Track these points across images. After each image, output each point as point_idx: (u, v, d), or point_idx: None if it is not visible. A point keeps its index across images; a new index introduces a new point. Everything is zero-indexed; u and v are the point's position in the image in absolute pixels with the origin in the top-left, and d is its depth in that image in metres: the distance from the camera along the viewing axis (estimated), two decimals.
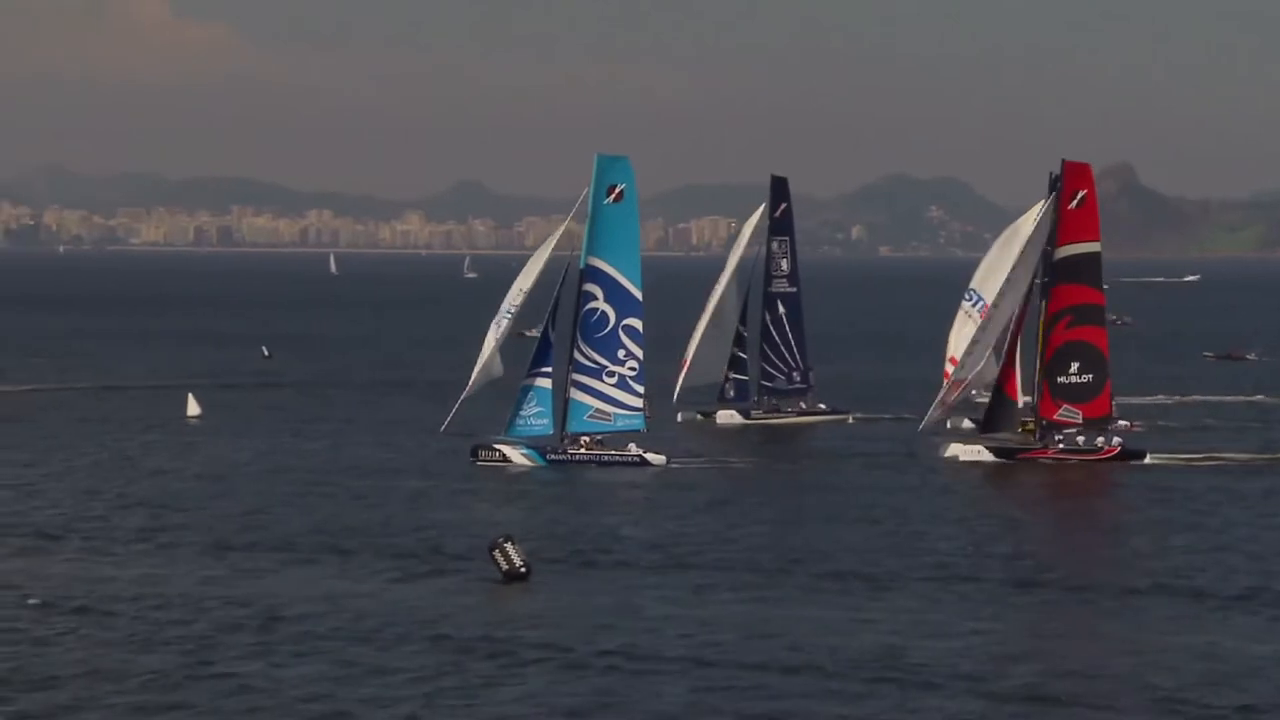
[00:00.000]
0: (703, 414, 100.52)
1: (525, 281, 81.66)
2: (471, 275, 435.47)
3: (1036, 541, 66.25)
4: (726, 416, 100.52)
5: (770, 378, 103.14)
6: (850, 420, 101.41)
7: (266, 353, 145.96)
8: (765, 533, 64.10)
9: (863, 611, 50.61)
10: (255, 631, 47.08)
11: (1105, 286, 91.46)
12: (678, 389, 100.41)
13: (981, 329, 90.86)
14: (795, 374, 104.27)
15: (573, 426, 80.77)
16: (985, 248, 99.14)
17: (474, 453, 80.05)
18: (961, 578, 55.63)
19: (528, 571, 53.37)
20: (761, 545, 61.41)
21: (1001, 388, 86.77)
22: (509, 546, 53.51)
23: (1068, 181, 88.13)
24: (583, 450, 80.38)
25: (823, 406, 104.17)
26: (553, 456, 79.79)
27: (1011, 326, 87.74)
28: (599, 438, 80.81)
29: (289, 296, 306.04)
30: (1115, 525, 70.29)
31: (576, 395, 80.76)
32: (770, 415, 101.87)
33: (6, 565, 55.83)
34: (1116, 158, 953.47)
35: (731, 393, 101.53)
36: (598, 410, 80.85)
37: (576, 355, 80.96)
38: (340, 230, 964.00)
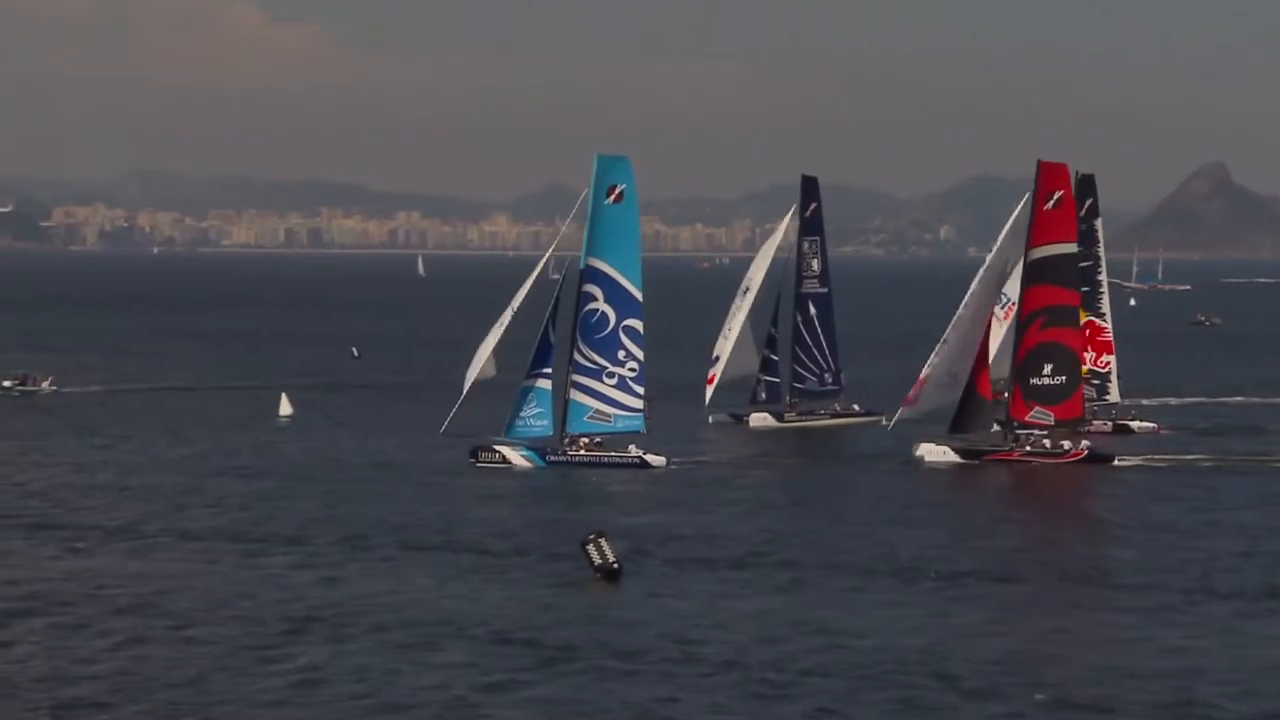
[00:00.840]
0: (734, 416, 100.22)
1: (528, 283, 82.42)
2: (555, 277, 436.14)
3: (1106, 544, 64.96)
4: (759, 419, 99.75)
5: (802, 379, 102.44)
6: (884, 422, 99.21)
7: (356, 354, 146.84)
8: (849, 533, 64.43)
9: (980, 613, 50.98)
10: (361, 630, 47.31)
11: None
12: (709, 392, 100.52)
13: (952, 328, 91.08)
14: (827, 375, 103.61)
15: (573, 427, 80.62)
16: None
17: (473, 454, 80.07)
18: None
19: (620, 567, 53.86)
20: (848, 545, 61.73)
21: (973, 387, 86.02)
22: (602, 542, 54.00)
23: (1044, 182, 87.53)
24: (582, 451, 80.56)
25: (856, 408, 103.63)
26: (553, 458, 79.71)
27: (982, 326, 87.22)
28: (598, 439, 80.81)
29: (378, 298, 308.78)
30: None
31: (576, 396, 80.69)
32: (804, 417, 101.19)
33: (101, 562, 56.87)
34: (1210, 156, 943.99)
35: (763, 395, 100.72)
36: (598, 411, 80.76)
37: (576, 356, 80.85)
38: (428, 231, 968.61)
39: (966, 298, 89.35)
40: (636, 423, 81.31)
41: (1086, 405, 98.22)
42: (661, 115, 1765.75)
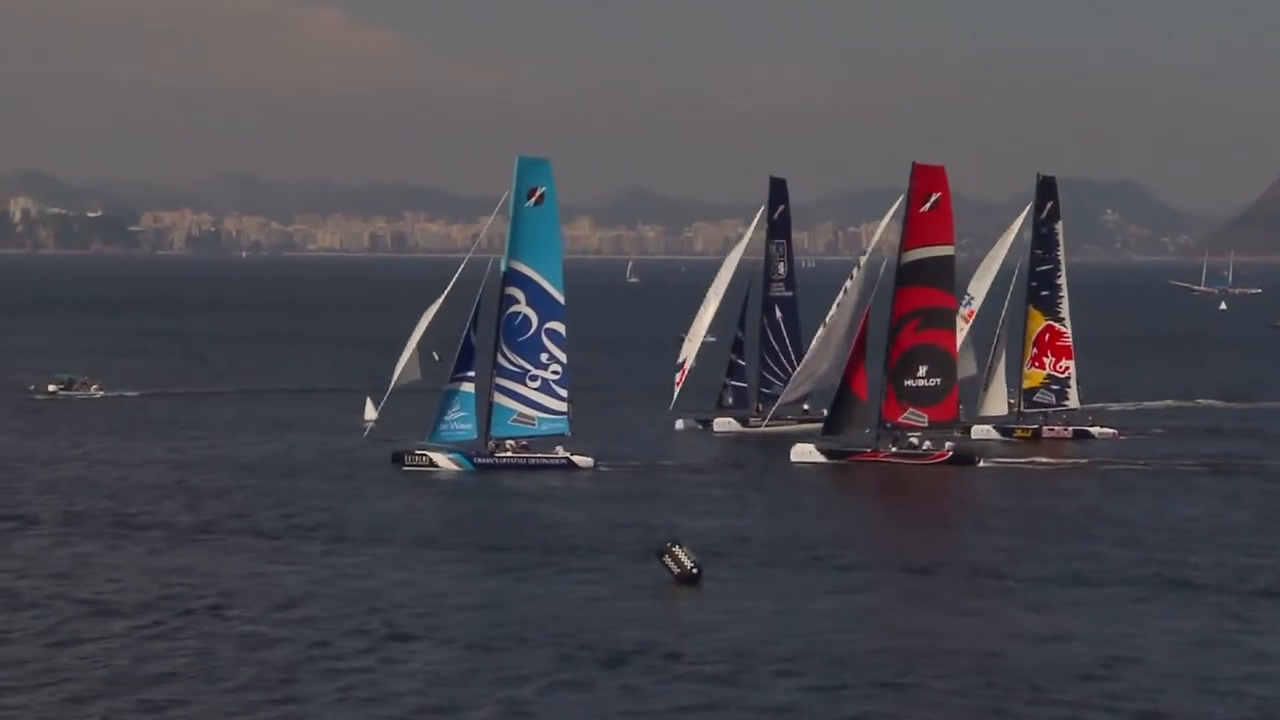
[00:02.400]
0: (701, 422, 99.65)
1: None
2: (634, 280, 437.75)
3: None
4: (724, 424, 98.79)
5: (769, 384, 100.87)
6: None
7: (437, 357, 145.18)
8: (912, 534, 65.20)
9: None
10: (441, 631, 47.66)
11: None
12: (674, 397, 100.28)
13: (827, 329, 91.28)
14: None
15: (496, 431, 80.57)
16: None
17: (396, 458, 79.92)
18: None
19: (699, 573, 54.12)
20: (914, 545, 62.41)
21: (848, 387, 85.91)
22: (678, 550, 54.28)
23: (920, 184, 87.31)
24: (509, 454, 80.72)
25: (825, 412, 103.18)
26: (480, 460, 79.84)
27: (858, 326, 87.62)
28: (524, 441, 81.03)
29: (460, 301, 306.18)
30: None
31: (500, 399, 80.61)
32: (770, 423, 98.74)
33: (187, 560, 57.93)
34: None
35: (730, 400, 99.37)
36: (521, 414, 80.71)
37: (499, 359, 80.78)
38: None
39: (841, 295, 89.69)
40: (560, 425, 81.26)
41: (1049, 410, 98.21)
42: (740, 117, 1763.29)
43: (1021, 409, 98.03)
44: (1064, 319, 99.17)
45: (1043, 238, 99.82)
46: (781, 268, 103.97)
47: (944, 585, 55.74)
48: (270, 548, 60.51)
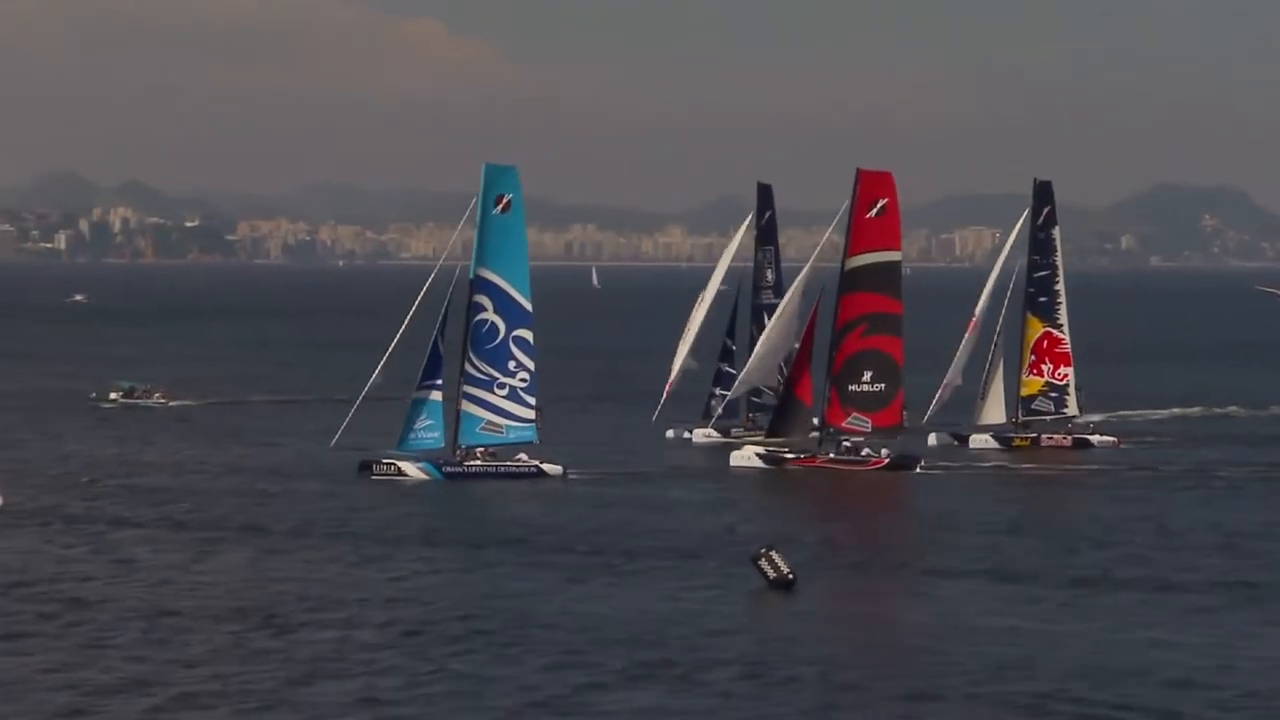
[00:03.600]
0: (691, 431, 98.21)
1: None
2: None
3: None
4: (702, 435, 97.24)
5: (759, 393, 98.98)
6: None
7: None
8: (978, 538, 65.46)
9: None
10: (532, 635, 48.25)
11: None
12: (661, 399, 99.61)
13: (766, 335, 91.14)
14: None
15: (465, 439, 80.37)
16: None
17: (366, 467, 79.61)
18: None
19: (794, 579, 54.27)
20: (1013, 551, 62.71)
21: (792, 392, 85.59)
22: (774, 555, 54.51)
23: (865, 190, 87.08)
24: (478, 462, 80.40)
25: (816, 421, 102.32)
26: (449, 469, 79.61)
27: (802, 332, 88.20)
28: (492, 450, 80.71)
29: (553, 309, 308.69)
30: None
31: (468, 408, 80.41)
32: (755, 432, 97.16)
33: (265, 561, 59.27)
34: None
35: (719, 410, 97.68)
36: (489, 422, 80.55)
37: (467, 367, 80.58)
38: (603, 243, 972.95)
39: (783, 302, 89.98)
40: (529, 433, 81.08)
41: (1048, 418, 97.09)
42: (831, 125, 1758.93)
43: (1019, 417, 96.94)
44: (1062, 325, 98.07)
45: (1040, 243, 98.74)
46: (770, 275, 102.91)
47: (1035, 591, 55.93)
48: (360, 554, 61.04)
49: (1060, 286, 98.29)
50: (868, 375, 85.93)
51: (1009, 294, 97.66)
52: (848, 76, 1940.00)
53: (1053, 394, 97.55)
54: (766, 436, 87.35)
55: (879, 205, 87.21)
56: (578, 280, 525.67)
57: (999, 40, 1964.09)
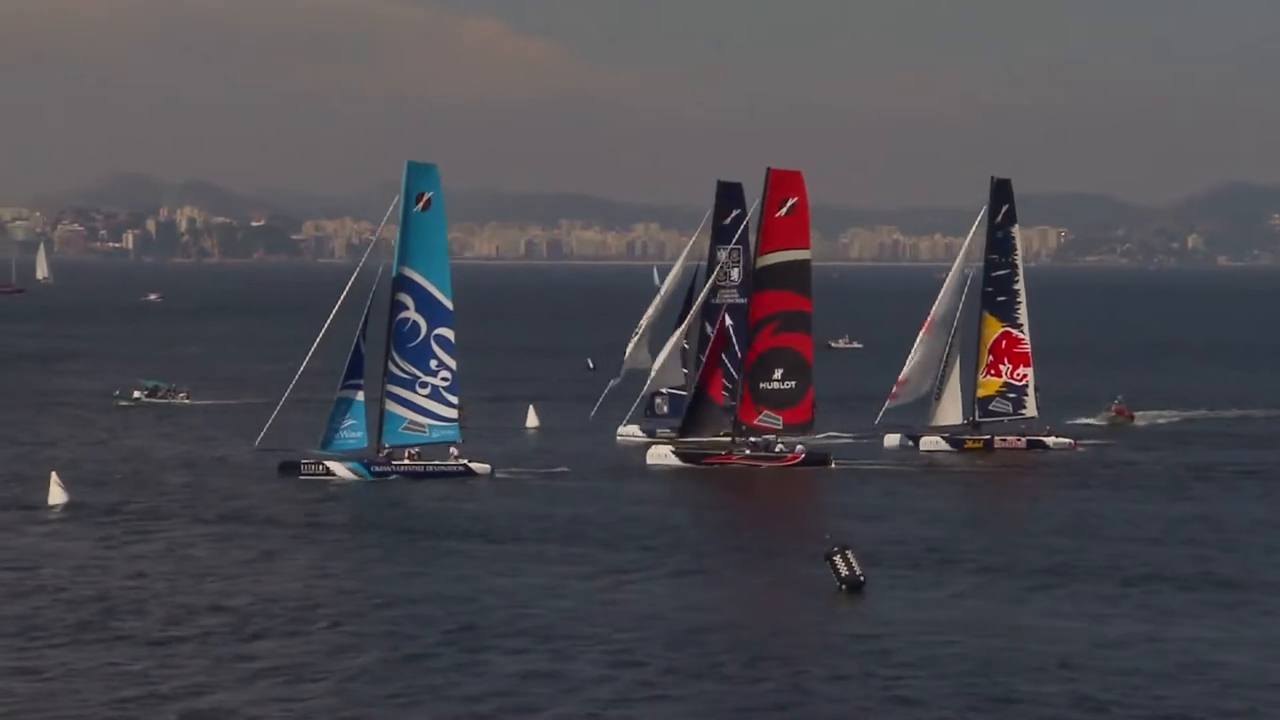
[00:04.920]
0: (648, 433, 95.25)
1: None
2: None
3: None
4: (629, 433, 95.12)
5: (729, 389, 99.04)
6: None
7: (591, 365, 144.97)
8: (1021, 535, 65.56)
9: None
10: (595, 635, 48.21)
11: None
12: (596, 405, 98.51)
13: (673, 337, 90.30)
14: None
15: (388, 439, 79.56)
16: None
17: (292, 468, 78.23)
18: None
19: (864, 580, 54.13)
20: (1073, 550, 62.51)
21: (703, 391, 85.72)
22: (848, 554, 54.44)
23: (775, 189, 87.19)
24: (406, 462, 79.56)
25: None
26: (377, 469, 78.84)
27: (714, 331, 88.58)
28: (415, 450, 79.81)
29: (614, 308, 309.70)
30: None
31: (391, 407, 79.59)
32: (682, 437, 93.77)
33: (340, 562, 59.33)
34: None
35: (665, 408, 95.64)
36: (412, 422, 79.70)
37: (390, 366, 79.76)
38: (666, 243, 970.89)
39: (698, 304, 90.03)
40: (451, 432, 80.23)
41: (1004, 419, 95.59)
42: (891, 123, 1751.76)
43: (976, 418, 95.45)
44: (1022, 325, 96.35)
45: (998, 242, 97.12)
46: (735, 274, 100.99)
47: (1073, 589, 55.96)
48: (416, 552, 61.09)
49: (1020, 286, 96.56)
50: (778, 373, 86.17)
51: (964, 294, 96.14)
52: (903, 75, 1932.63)
53: (1011, 395, 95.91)
54: (678, 435, 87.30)
55: (788, 204, 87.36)
56: (639, 280, 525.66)
57: (1062, 39, 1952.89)
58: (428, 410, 79.96)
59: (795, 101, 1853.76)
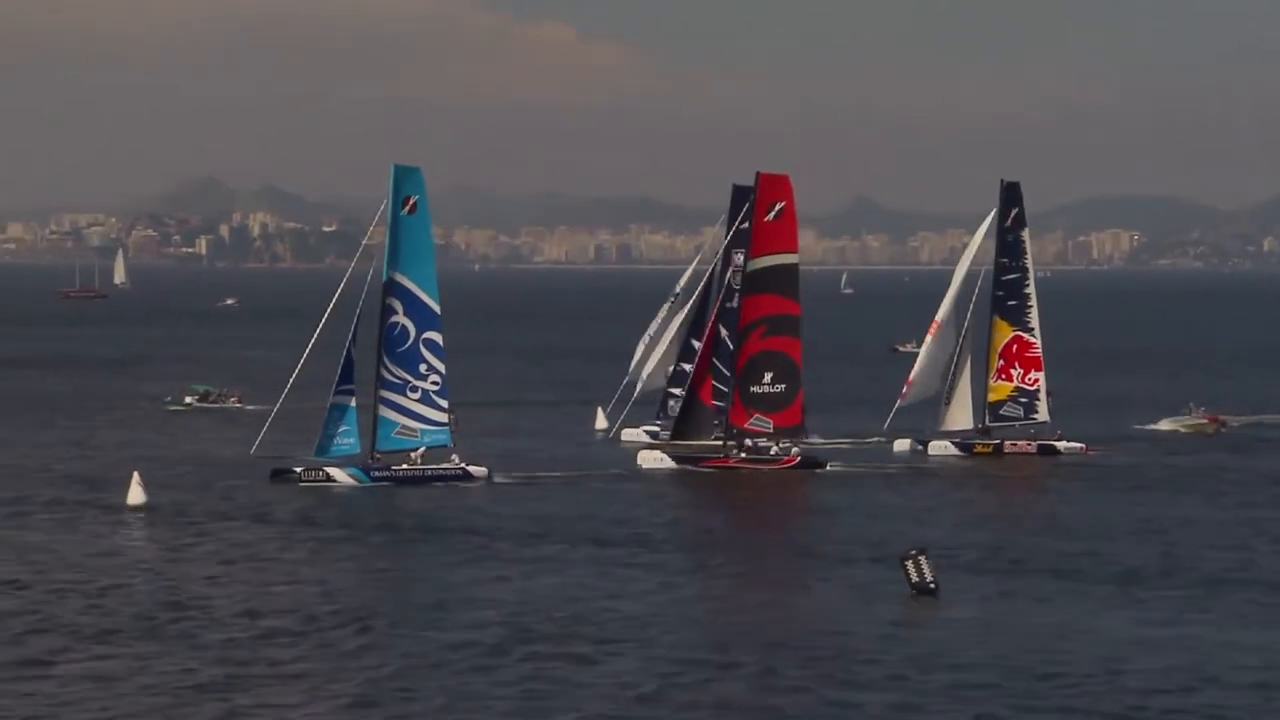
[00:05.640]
0: (651, 435, 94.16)
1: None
2: (848, 291, 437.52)
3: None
4: (632, 436, 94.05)
5: (723, 397, 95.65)
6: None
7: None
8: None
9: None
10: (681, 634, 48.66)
11: None
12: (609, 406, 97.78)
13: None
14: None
15: (381, 444, 79.04)
16: None
17: (284, 474, 77.65)
18: None
19: (936, 587, 53.81)
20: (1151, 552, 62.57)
21: (695, 395, 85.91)
22: (921, 560, 54.17)
23: (764, 193, 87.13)
24: (404, 466, 79.16)
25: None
26: (376, 474, 78.39)
27: (707, 332, 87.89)
28: (418, 454, 79.21)
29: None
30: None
31: (383, 412, 79.02)
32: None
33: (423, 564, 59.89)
34: None
35: (675, 410, 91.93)
36: (404, 427, 79.08)
37: (382, 371, 79.25)
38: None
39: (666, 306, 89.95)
40: (442, 437, 79.66)
41: (1016, 424, 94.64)
42: (968, 126, 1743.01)
43: (986, 423, 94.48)
44: (1033, 329, 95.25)
45: (1008, 245, 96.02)
46: None
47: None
48: (471, 553, 61.41)
49: (1031, 289, 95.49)
50: (768, 376, 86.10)
51: (974, 297, 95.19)
52: (976, 80, 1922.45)
53: (1022, 399, 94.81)
54: (671, 438, 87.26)
55: (776, 209, 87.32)
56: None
57: (1132, 41, 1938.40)
58: (419, 415, 79.45)
59: (862, 106, 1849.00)
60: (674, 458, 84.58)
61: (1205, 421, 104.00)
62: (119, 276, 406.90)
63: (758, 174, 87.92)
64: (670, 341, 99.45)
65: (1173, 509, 73.83)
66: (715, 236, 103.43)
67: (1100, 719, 41.10)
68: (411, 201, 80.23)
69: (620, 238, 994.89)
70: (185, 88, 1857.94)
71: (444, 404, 79.71)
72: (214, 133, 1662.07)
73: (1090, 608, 53.16)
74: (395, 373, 79.55)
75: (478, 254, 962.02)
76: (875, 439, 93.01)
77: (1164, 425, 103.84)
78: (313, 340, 79.51)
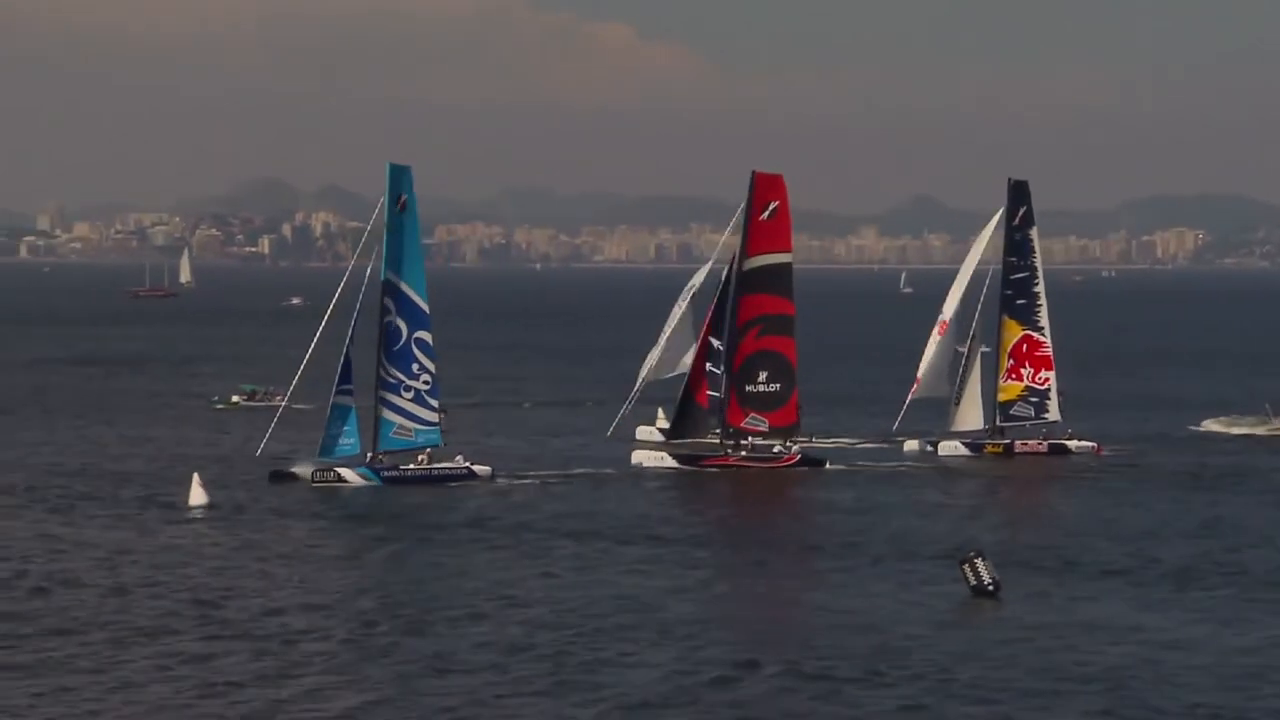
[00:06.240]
0: (664, 432, 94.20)
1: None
2: (908, 290, 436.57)
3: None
4: (645, 433, 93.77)
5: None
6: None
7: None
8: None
9: None
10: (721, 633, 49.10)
11: None
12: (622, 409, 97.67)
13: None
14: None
15: (382, 444, 79.07)
16: None
17: (284, 477, 77.58)
18: None
19: (996, 589, 53.98)
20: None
21: (691, 395, 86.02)
22: (979, 562, 54.32)
23: (759, 193, 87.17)
24: (412, 466, 79.12)
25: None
26: (387, 474, 78.33)
27: (701, 334, 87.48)
28: (426, 453, 79.57)
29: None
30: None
31: (383, 412, 79.17)
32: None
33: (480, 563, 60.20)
34: None
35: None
36: (401, 426, 79.19)
37: (381, 372, 79.40)
38: (796, 246, 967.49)
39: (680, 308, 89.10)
40: (434, 436, 79.70)
41: (1027, 424, 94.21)
42: (1031, 125, 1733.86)
43: (997, 423, 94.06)
44: (1043, 328, 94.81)
45: (1016, 244, 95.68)
46: None
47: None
48: (536, 551, 62.10)
49: (1040, 288, 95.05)
50: (763, 375, 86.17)
51: (982, 296, 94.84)
52: (1037, 77, 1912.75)
53: (1033, 399, 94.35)
54: (668, 438, 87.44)
55: (770, 208, 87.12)
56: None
57: (1201, 37, 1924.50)
58: (412, 414, 79.47)
59: (920, 106, 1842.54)
60: (676, 458, 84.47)
61: None
62: (185, 276, 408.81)
63: (753, 173, 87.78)
64: (677, 338, 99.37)
65: (1230, 509, 73.73)
66: (732, 232, 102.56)
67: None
68: (402, 200, 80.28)
69: (681, 237, 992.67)
70: (246, 88, 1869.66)
71: (435, 404, 79.70)
72: (275, 133, 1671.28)
73: (1148, 606, 53.40)
74: (391, 372, 79.59)
75: (538, 253, 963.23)
76: (910, 439, 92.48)
77: (1236, 429, 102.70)
78: (314, 340, 79.56)
